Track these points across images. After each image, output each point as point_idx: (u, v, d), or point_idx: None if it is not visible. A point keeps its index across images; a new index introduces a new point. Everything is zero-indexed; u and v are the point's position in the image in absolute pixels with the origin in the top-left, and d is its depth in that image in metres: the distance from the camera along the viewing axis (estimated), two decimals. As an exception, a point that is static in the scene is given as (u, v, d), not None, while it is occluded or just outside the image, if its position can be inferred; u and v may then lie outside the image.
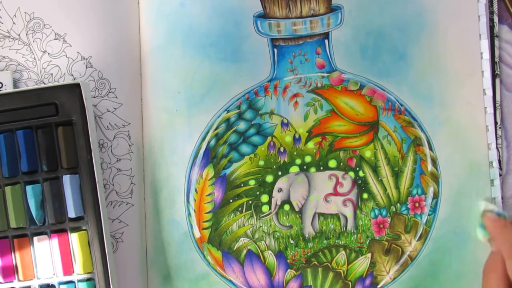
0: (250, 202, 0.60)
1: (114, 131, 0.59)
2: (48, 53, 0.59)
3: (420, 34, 0.59)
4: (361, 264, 0.60)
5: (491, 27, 0.60)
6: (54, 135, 0.55)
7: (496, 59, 0.60)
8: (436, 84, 0.59)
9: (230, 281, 0.60)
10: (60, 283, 0.56)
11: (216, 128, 0.60)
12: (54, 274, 0.56)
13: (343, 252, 0.60)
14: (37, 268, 0.56)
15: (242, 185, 0.60)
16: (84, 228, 0.56)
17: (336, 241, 0.60)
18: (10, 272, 0.55)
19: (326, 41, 0.60)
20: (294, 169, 0.60)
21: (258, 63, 0.60)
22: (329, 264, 0.60)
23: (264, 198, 0.60)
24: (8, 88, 0.58)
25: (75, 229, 0.56)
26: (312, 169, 0.60)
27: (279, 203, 0.60)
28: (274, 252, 0.60)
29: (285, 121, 0.60)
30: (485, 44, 0.59)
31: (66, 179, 0.55)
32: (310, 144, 0.60)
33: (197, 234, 0.60)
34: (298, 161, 0.60)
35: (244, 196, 0.60)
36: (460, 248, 0.59)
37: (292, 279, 0.60)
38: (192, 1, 0.59)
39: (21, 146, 0.55)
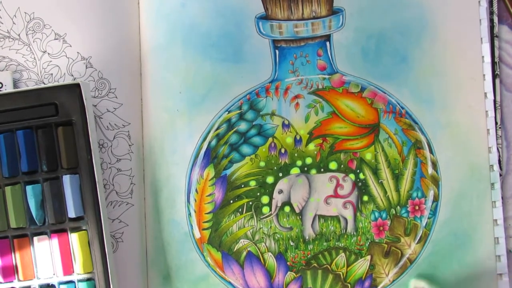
0: (250, 203, 0.60)
1: (114, 131, 0.59)
2: (48, 53, 0.59)
3: (421, 37, 0.59)
4: (361, 266, 0.60)
5: (491, 28, 0.60)
6: (54, 135, 0.55)
7: (496, 59, 0.60)
8: (437, 87, 0.59)
9: (230, 283, 0.60)
10: (60, 283, 0.55)
11: (217, 129, 0.60)
12: (54, 274, 0.55)
13: (343, 254, 0.60)
14: (37, 268, 0.55)
15: (242, 186, 0.59)
16: (84, 228, 0.56)
17: (336, 243, 0.60)
18: (10, 272, 0.55)
19: (328, 43, 0.60)
20: (294, 170, 0.60)
21: (259, 64, 0.59)
22: (328, 266, 0.60)
23: (265, 199, 0.60)
24: (8, 88, 0.58)
25: (75, 229, 0.56)
26: (313, 171, 0.60)
27: (279, 204, 0.60)
28: (274, 254, 0.60)
29: (286, 122, 0.60)
30: (486, 47, 0.59)
31: (66, 179, 0.55)
32: (311, 146, 0.60)
33: (197, 234, 0.59)
34: (299, 162, 0.60)
35: (244, 197, 0.60)
36: (460, 251, 0.59)
37: (292, 281, 0.60)
38: (193, 1, 0.59)
39: (21, 146, 0.55)
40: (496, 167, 0.60)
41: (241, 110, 0.60)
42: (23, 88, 0.58)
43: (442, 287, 0.59)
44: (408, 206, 0.60)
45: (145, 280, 0.60)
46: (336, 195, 0.60)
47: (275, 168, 0.60)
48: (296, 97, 0.60)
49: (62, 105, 0.55)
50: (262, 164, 0.60)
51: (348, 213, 0.60)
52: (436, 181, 0.60)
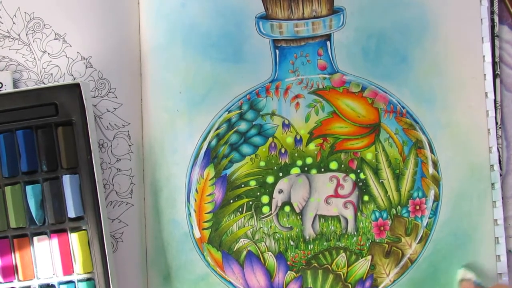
0: (250, 203, 0.59)
1: (114, 131, 0.59)
2: (48, 53, 0.59)
3: (422, 36, 0.59)
4: (361, 266, 0.60)
5: (492, 27, 0.60)
6: (54, 135, 0.55)
7: (497, 59, 0.60)
8: (437, 86, 0.59)
9: (230, 282, 0.60)
10: (60, 283, 0.55)
11: (217, 128, 0.59)
12: (54, 274, 0.55)
13: (343, 254, 0.60)
14: (37, 268, 0.55)
15: (242, 185, 0.59)
16: (84, 228, 0.55)
17: (337, 243, 0.60)
18: (10, 272, 0.55)
19: (328, 42, 0.59)
20: (295, 170, 0.60)
21: (260, 64, 0.59)
22: (329, 266, 0.60)
23: (265, 199, 0.60)
24: (8, 88, 0.58)
25: (75, 229, 0.55)
26: (313, 171, 0.60)
27: (279, 204, 0.60)
28: (274, 254, 0.60)
29: (287, 122, 0.60)
30: (487, 47, 0.59)
31: (66, 179, 0.55)
32: (311, 146, 0.59)
33: (197, 234, 0.59)
34: (299, 162, 0.60)
35: (244, 196, 0.59)
36: (460, 251, 0.59)
37: (292, 281, 0.60)
38: (193, 1, 0.59)
39: (21, 146, 0.55)
40: (496, 167, 0.59)
41: (241, 110, 0.60)
42: (23, 88, 0.58)
43: (443, 287, 0.59)
44: (409, 206, 0.60)
45: (145, 280, 0.60)
46: (336, 195, 0.60)
47: (275, 168, 0.60)
48: (297, 96, 0.60)
49: (62, 105, 0.55)
50: (262, 164, 0.60)
51: (349, 213, 0.60)
52: (436, 181, 0.60)
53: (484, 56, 0.59)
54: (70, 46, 0.59)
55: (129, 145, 0.60)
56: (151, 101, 0.60)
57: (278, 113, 0.60)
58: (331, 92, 0.60)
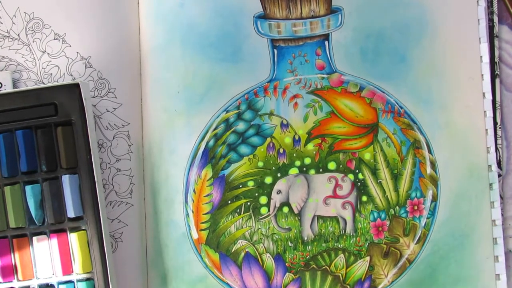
0: (248, 203, 0.59)
1: (114, 131, 0.59)
2: (48, 53, 0.59)
3: (420, 37, 0.59)
4: (360, 267, 0.60)
5: (491, 27, 0.60)
6: (54, 135, 0.55)
7: (496, 59, 0.60)
8: (436, 87, 0.59)
9: (228, 284, 0.59)
10: (59, 283, 0.55)
11: (215, 128, 0.59)
12: (53, 274, 0.55)
13: (342, 255, 0.60)
14: (36, 268, 0.55)
15: (240, 186, 0.59)
16: (83, 228, 0.55)
17: (335, 244, 0.60)
18: (9, 272, 0.55)
19: (326, 42, 0.59)
20: (293, 170, 0.59)
21: (258, 64, 0.59)
22: (327, 268, 0.60)
23: (263, 199, 0.59)
24: (8, 88, 0.58)
25: (74, 229, 0.56)
26: (312, 171, 0.60)
27: (278, 205, 0.60)
28: (272, 255, 0.60)
29: (285, 122, 0.59)
30: (484, 47, 0.59)
31: (66, 179, 0.55)
32: (310, 146, 0.59)
33: (195, 235, 0.59)
34: (298, 162, 0.59)
35: (242, 197, 0.59)
36: (458, 251, 0.59)
37: (291, 282, 0.59)
38: (192, 1, 0.59)
39: (21, 146, 0.55)
40: (494, 167, 0.59)
41: (239, 110, 0.60)
42: (23, 88, 0.58)
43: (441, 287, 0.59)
44: (407, 206, 0.60)
45: (144, 281, 0.59)
46: (335, 195, 0.60)
47: (274, 168, 0.60)
48: (295, 96, 0.60)
49: (61, 105, 0.55)
50: (261, 164, 0.60)
51: (347, 214, 0.60)
52: (434, 181, 0.59)
53: (481, 57, 0.59)
54: (70, 46, 0.59)
55: (128, 145, 0.59)
56: (150, 101, 0.60)
57: (276, 113, 0.60)
58: (329, 92, 0.60)
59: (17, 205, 0.55)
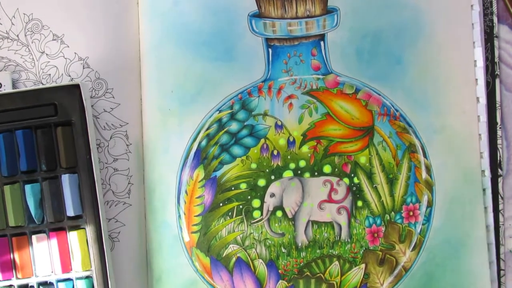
0: (241, 206, 0.57)
1: (111, 131, 0.58)
2: (46, 54, 0.59)
3: (416, 39, 0.59)
4: (355, 275, 0.57)
5: (491, 27, 0.60)
6: (53, 135, 0.56)
7: (496, 60, 0.60)
8: (431, 90, 0.59)
9: (218, 291, 0.56)
10: (58, 281, 0.55)
11: (208, 128, 0.57)
12: (52, 272, 0.55)
13: (337, 262, 0.57)
14: (36, 266, 0.55)
15: (233, 188, 0.57)
16: (82, 227, 0.56)
17: (330, 250, 0.57)
18: (8, 270, 0.55)
19: (322, 42, 0.58)
20: (287, 173, 0.57)
21: (252, 63, 0.58)
22: (322, 275, 0.57)
23: (256, 203, 0.57)
24: (7, 89, 0.58)
25: (73, 228, 0.56)
26: (306, 174, 0.58)
27: (271, 208, 0.57)
28: (265, 261, 0.57)
29: (279, 123, 0.58)
30: (479, 52, 0.59)
31: (65, 178, 0.55)
32: (305, 148, 0.58)
33: (186, 237, 0.56)
34: (292, 165, 0.57)
35: (234, 200, 0.57)
36: (454, 259, 0.58)
37: (284, 289, 0.57)
38: (186, -1, 0.58)
39: (20, 146, 0.56)
40: (487, 172, 0.59)
41: (233, 109, 0.58)
42: (24, 88, 0.57)
43: None
44: (402, 211, 0.58)
45: (142, 281, 0.57)
46: (330, 200, 0.58)
47: (267, 170, 0.57)
48: (290, 97, 0.58)
49: (61, 106, 0.55)
50: (254, 166, 0.57)
51: (342, 219, 0.58)
52: (430, 186, 0.58)
53: (475, 61, 0.59)
54: (68, 46, 0.59)
55: (127, 145, 0.58)
56: (146, 101, 0.58)
57: (270, 113, 0.58)
58: (325, 93, 0.58)
59: (17, 204, 0.55)
